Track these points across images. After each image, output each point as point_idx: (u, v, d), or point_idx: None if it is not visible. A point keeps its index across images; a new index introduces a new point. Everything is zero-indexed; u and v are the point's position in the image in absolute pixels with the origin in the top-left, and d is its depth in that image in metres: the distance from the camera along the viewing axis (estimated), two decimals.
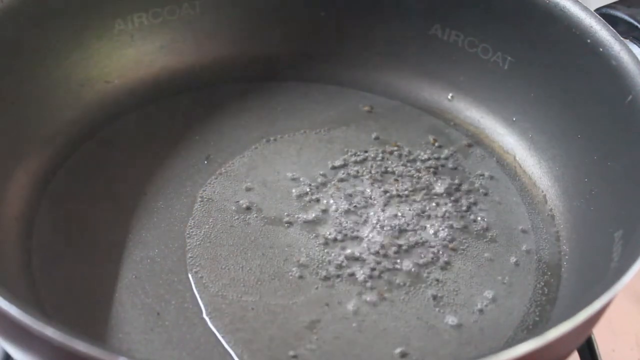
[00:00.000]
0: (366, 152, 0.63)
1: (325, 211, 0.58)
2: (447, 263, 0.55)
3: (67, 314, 0.50)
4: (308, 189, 0.59)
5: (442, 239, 0.57)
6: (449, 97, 0.67)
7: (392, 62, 0.68)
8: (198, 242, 0.55)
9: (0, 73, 0.56)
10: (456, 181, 0.61)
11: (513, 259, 0.56)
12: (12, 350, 0.43)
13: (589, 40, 0.57)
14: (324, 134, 0.65)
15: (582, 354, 0.56)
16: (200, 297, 0.52)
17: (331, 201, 0.59)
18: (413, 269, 0.55)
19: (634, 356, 0.61)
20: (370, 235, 0.56)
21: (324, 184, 0.60)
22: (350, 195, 0.59)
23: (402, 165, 0.62)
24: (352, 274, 0.54)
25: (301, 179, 0.60)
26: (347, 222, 0.57)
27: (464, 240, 0.57)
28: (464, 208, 0.59)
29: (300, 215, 0.57)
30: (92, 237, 0.55)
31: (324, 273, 0.54)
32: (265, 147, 0.63)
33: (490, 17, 0.63)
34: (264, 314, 0.51)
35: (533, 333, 0.46)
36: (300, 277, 0.53)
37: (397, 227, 0.57)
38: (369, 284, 0.53)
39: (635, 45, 0.59)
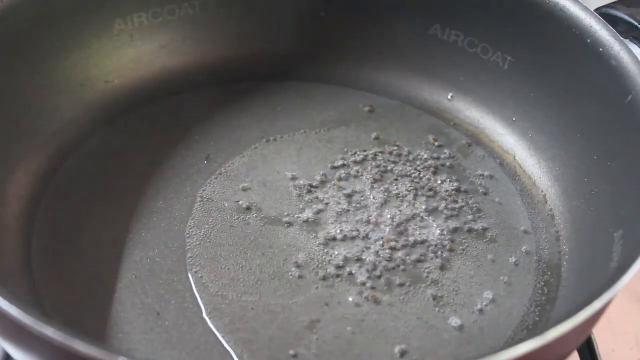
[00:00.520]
0: (366, 152, 0.63)
1: (325, 211, 0.58)
2: (447, 263, 0.55)
3: (67, 314, 0.50)
4: (308, 189, 0.59)
5: (442, 239, 0.57)
6: (449, 97, 0.67)
7: (392, 62, 0.68)
8: (198, 242, 0.55)
9: (0, 73, 0.56)
10: (456, 181, 0.61)
11: (513, 259, 0.56)
12: (12, 350, 0.43)
13: (589, 40, 0.57)
14: (324, 134, 0.65)
15: (582, 354, 0.56)
16: (200, 297, 0.52)
17: (331, 201, 0.59)
18: (413, 269, 0.55)
19: (634, 356, 0.61)
20: (370, 235, 0.56)
21: (324, 184, 0.60)
22: (350, 195, 0.59)
23: (402, 165, 0.62)
24: (352, 274, 0.54)
25: (301, 179, 0.60)
26: (347, 222, 0.57)
27: (464, 240, 0.57)
28: (463, 208, 0.59)
29: (300, 215, 0.57)
30: (92, 237, 0.55)
31: (323, 273, 0.54)
32: (265, 147, 0.63)
33: (490, 17, 0.63)
34: (264, 314, 0.51)
35: (533, 333, 0.46)
36: (300, 277, 0.53)
37: (397, 227, 0.57)
38: (369, 284, 0.53)
39: (635, 45, 0.59)
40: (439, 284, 0.54)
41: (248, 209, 0.58)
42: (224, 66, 0.68)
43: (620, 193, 0.54)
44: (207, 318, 0.51)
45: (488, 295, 0.54)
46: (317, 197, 0.59)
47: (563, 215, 0.59)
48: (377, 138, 0.64)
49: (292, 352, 0.49)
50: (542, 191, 0.61)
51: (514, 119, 0.64)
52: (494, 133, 0.65)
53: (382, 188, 0.60)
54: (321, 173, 0.61)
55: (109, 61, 0.64)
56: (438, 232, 0.57)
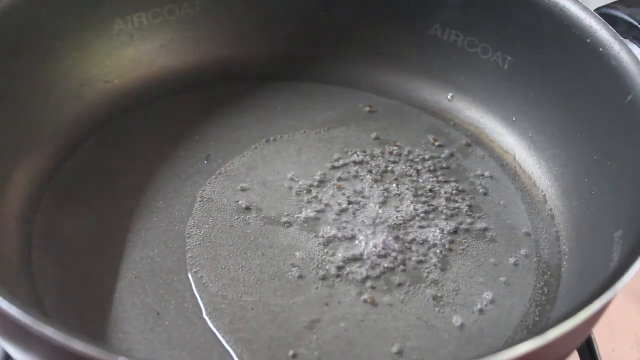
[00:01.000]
0: (366, 152, 0.63)
1: (325, 211, 0.58)
2: (447, 263, 0.55)
3: (67, 314, 0.50)
4: (308, 189, 0.59)
5: (442, 239, 0.57)
6: (449, 97, 0.67)
7: (392, 62, 0.68)
8: (198, 242, 0.55)
9: (0, 73, 0.56)
10: (456, 181, 0.61)
11: (513, 259, 0.56)
12: (12, 350, 0.43)
13: (589, 40, 0.57)
14: (324, 134, 0.65)
15: (582, 354, 0.56)
16: (200, 297, 0.52)
17: (331, 201, 0.59)
18: (413, 269, 0.55)
19: (634, 356, 0.61)
20: (370, 235, 0.56)
21: (324, 184, 0.60)
22: (350, 195, 0.59)
23: (402, 165, 0.62)
24: (352, 274, 0.54)
25: (301, 179, 0.60)
26: (347, 222, 0.57)
27: (464, 240, 0.57)
28: (464, 208, 0.59)
29: (300, 215, 0.57)
30: (92, 237, 0.55)
31: (323, 273, 0.54)
32: (265, 147, 0.63)
33: (490, 17, 0.63)
34: (264, 314, 0.51)
35: (533, 333, 0.46)
36: (300, 277, 0.53)
37: (396, 227, 0.57)
38: (368, 284, 0.53)
39: (635, 45, 0.59)
40: (439, 284, 0.54)
41: (248, 209, 0.58)
42: (224, 66, 0.68)
43: (620, 193, 0.54)
44: (207, 318, 0.51)
45: (488, 295, 0.54)
46: (317, 197, 0.59)
47: (563, 215, 0.59)
48: (377, 138, 0.64)
49: (292, 352, 0.49)
50: (542, 191, 0.61)
51: (514, 119, 0.64)
52: (494, 133, 0.65)
53: (382, 188, 0.60)
54: (321, 173, 0.61)
55: (109, 61, 0.64)
56: (438, 232, 0.57)
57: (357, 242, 0.56)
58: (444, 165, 0.63)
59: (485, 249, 0.57)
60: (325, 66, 0.69)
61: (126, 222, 0.56)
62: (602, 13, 0.60)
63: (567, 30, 0.59)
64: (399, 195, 0.60)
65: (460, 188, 0.61)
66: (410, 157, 0.63)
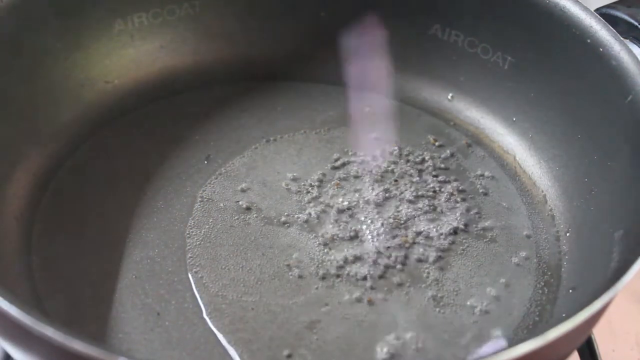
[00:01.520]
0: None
1: (325, 211, 0.58)
2: (447, 263, 0.55)
3: (67, 314, 0.50)
4: (308, 189, 0.59)
5: (442, 239, 0.57)
6: (449, 97, 0.67)
7: (392, 62, 0.68)
8: (198, 242, 0.55)
9: (0, 73, 0.56)
10: (456, 181, 0.61)
11: (513, 259, 0.56)
12: (12, 350, 0.43)
13: (589, 40, 0.57)
14: (324, 134, 0.65)
15: (582, 354, 0.56)
16: (200, 297, 0.52)
17: (331, 201, 0.59)
18: (413, 269, 0.55)
19: (634, 356, 0.61)
20: (370, 235, 0.56)
21: (324, 184, 0.60)
22: (350, 195, 0.59)
23: (402, 165, 0.62)
24: (352, 274, 0.54)
25: (301, 179, 0.60)
26: (347, 222, 0.57)
27: (464, 240, 0.57)
28: (464, 208, 0.59)
29: (300, 215, 0.57)
30: (92, 237, 0.55)
31: (323, 273, 0.54)
32: (265, 147, 0.63)
33: (490, 17, 0.63)
34: (264, 314, 0.51)
35: (533, 333, 0.46)
36: (300, 277, 0.53)
37: (396, 227, 0.57)
38: (368, 284, 0.53)
39: (635, 45, 0.59)
40: (439, 283, 0.54)
41: (248, 209, 0.58)
42: (224, 66, 0.68)
43: (620, 193, 0.54)
44: (207, 318, 0.51)
45: (488, 295, 0.54)
46: (317, 197, 0.59)
47: (563, 215, 0.59)
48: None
49: (292, 352, 0.49)
50: (542, 191, 0.61)
51: (514, 119, 0.64)
52: (494, 133, 0.65)
53: (382, 188, 0.60)
54: (321, 173, 0.61)
55: (109, 61, 0.64)
56: (438, 232, 0.57)
57: (357, 241, 0.56)
58: (444, 166, 0.63)
59: (485, 249, 0.57)
60: (325, 66, 0.69)
61: (126, 222, 0.56)
62: (602, 13, 0.60)
63: (567, 30, 0.59)
64: (399, 195, 0.60)
65: (460, 188, 0.61)
66: (410, 157, 0.63)
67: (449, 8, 0.65)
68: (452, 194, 0.60)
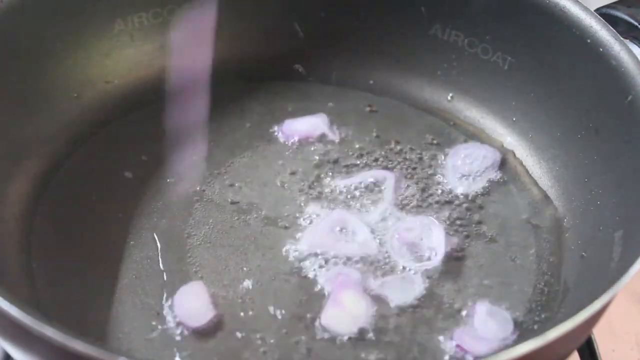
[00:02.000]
0: (366, 152, 0.63)
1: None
2: (447, 263, 0.55)
3: (67, 314, 0.50)
4: (308, 189, 0.59)
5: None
6: (449, 97, 0.67)
7: (392, 62, 0.68)
8: (198, 242, 0.55)
9: (0, 73, 0.56)
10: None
11: (513, 259, 0.56)
12: (12, 350, 0.43)
13: (589, 40, 0.57)
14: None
15: (582, 354, 0.56)
16: None
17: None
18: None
19: (634, 356, 0.61)
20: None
21: (324, 184, 0.60)
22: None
23: (402, 164, 0.62)
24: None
25: (301, 179, 0.60)
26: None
27: (464, 240, 0.57)
28: (463, 208, 0.59)
29: (300, 215, 0.57)
30: (92, 237, 0.55)
31: (323, 272, 0.54)
32: (265, 147, 0.63)
33: (490, 17, 0.63)
34: (264, 314, 0.51)
35: (533, 333, 0.46)
36: (300, 277, 0.53)
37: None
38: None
39: (635, 45, 0.59)
40: (439, 283, 0.54)
41: (248, 209, 0.58)
42: (224, 66, 0.68)
43: (620, 193, 0.54)
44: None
45: (488, 295, 0.53)
46: (317, 197, 0.59)
47: (563, 215, 0.59)
48: (377, 137, 0.64)
49: (292, 352, 0.49)
50: (542, 191, 0.61)
51: (514, 119, 0.64)
52: (494, 133, 0.65)
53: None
54: (321, 173, 0.61)
55: (109, 61, 0.64)
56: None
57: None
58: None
59: (485, 248, 0.57)
60: (326, 66, 0.69)
61: (126, 222, 0.56)
62: (602, 13, 0.60)
63: (567, 30, 0.59)
64: (399, 194, 0.59)
65: (460, 188, 0.61)
66: (410, 157, 0.63)
67: (449, 8, 0.65)
68: (451, 194, 0.60)
